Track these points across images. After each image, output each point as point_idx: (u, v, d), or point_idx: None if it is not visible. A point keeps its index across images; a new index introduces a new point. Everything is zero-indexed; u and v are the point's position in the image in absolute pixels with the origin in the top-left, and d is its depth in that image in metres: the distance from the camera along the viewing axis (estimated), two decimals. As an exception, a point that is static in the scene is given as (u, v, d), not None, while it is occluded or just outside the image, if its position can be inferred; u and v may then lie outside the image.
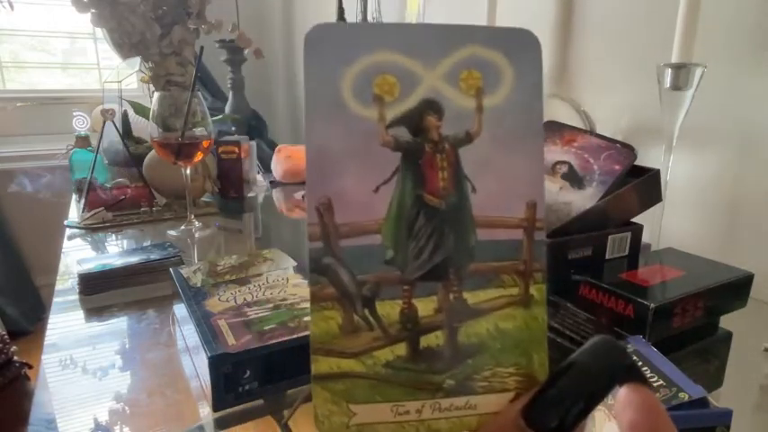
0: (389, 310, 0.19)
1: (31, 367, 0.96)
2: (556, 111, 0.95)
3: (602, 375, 0.17)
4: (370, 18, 1.37)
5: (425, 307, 0.20)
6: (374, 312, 0.19)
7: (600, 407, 0.35)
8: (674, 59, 0.65)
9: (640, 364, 0.39)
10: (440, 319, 0.20)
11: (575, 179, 0.61)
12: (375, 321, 0.19)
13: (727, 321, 0.57)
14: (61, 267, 0.78)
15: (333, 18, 1.43)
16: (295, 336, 0.45)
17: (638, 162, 0.61)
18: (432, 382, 0.19)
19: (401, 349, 0.19)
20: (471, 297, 0.20)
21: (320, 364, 0.19)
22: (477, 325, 0.20)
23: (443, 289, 0.20)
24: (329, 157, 0.19)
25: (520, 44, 0.20)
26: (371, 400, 0.19)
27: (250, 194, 1.20)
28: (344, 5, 1.44)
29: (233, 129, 1.57)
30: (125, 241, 0.94)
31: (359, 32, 0.19)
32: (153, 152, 1.07)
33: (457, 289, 0.20)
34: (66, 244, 0.90)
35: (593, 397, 0.17)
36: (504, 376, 0.20)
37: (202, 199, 1.13)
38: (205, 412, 0.44)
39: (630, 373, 0.17)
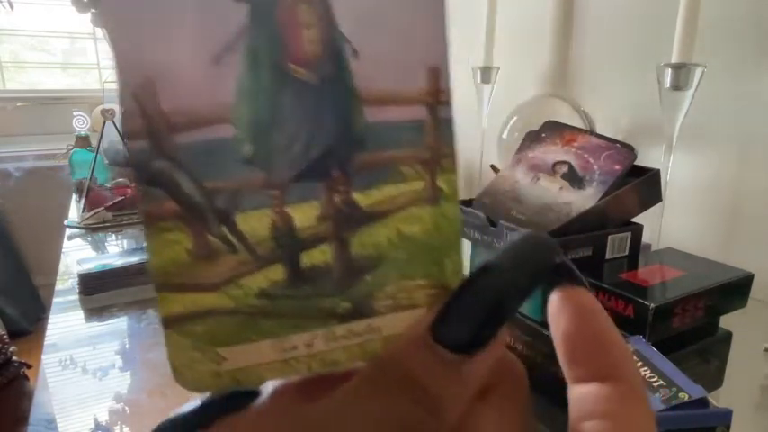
0: (256, 224, 0.15)
1: (30, 367, 0.96)
2: (556, 111, 0.95)
3: (524, 275, 0.14)
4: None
5: (304, 215, 0.15)
6: (234, 229, 0.15)
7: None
8: (674, 59, 0.65)
9: (640, 364, 0.39)
10: (325, 229, 0.15)
11: (575, 179, 0.61)
12: (237, 240, 0.15)
13: (727, 321, 0.57)
14: (61, 267, 0.78)
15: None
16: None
17: (638, 162, 0.61)
18: (321, 308, 0.15)
19: (277, 272, 0.15)
20: (364, 198, 0.15)
21: (170, 304, 0.15)
22: (373, 232, 0.16)
23: (326, 190, 0.15)
24: (142, 14, 0.13)
25: None
26: (245, 339, 0.15)
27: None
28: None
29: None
30: (125, 241, 0.93)
31: None
32: (153, 152, 1.07)
33: (344, 189, 0.15)
34: (66, 244, 0.90)
35: (512, 301, 0.14)
36: (411, 290, 0.16)
37: (202, 199, 1.13)
38: (205, 412, 0.44)
39: (561, 274, 0.15)
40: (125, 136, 0.14)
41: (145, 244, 0.14)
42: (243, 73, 0.14)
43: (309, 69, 0.15)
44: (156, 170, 0.14)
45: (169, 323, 0.15)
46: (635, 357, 0.40)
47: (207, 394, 0.16)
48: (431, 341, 0.14)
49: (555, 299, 0.15)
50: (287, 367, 0.15)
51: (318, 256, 0.15)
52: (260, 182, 0.15)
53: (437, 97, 0.15)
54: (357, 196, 0.15)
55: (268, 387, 0.16)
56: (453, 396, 0.14)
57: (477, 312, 0.14)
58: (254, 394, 0.15)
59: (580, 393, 0.14)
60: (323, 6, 0.14)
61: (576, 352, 0.14)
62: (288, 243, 0.15)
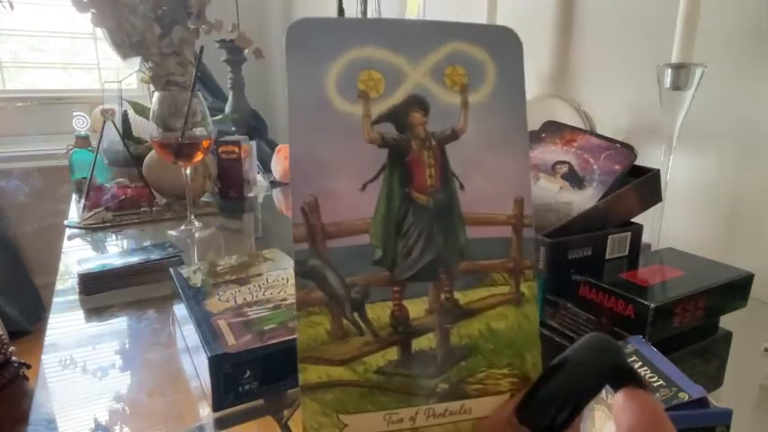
0: (380, 312, 0.19)
1: (29, 367, 0.96)
2: (556, 111, 0.95)
3: (595, 374, 0.17)
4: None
5: (416, 308, 0.19)
6: (364, 316, 0.19)
7: (601, 406, 0.35)
8: (674, 59, 0.65)
9: (640, 364, 0.39)
10: (431, 321, 0.19)
11: (575, 179, 0.61)
12: (365, 325, 0.19)
13: (727, 321, 0.57)
14: (61, 267, 0.78)
15: (333, 18, 1.42)
16: (295, 336, 0.45)
17: (638, 162, 0.61)
18: (425, 387, 0.19)
19: (393, 354, 0.19)
20: (463, 297, 0.19)
21: (309, 374, 0.18)
22: (469, 325, 0.19)
23: (434, 289, 0.19)
24: (314, 155, 0.18)
25: (502, 42, 0.20)
26: (363, 409, 0.18)
27: (250, 194, 1.20)
28: (345, 6, 1.44)
29: (233, 129, 1.57)
30: (125, 241, 0.93)
31: (343, 27, 0.19)
32: (153, 152, 1.07)
33: (448, 289, 0.19)
34: (66, 244, 0.90)
35: (585, 395, 0.17)
36: (497, 378, 0.19)
37: (202, 199, 1.13)
38: (205, 412, 0.44)
39: (627, 375, 0.17)
40: (294, 240, 0.18)
41: (296, 324, 0.18)
42: (380, 198, 0.19)
43: (428, 196, 0.19)
44: (312, 266, 0.18)
45: (306, 390, 0.18)
46: (635, 357, 0.40)
47: None
48: (516, 423, 0.17)
49: (621, 397, 0.17)
50: None
51: (425, 342, 0.19)
52: (385, 280, 0.19)
53: (521, 221, 0.20)
54: (458, 295, 0.19)
55: None
56: None
57: (555, 401, 0.17)
58: None
59: None
60: (440, 152, 0.19)
61: None
62: (403, 330, 0.19)
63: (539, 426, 0.16)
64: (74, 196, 1.19)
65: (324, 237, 0.18)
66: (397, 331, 0.19)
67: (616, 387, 0.17)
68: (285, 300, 0.52)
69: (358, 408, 0.18)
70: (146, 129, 0.99)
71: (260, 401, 0.45)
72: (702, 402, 0.35)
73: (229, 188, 1.16)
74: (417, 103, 0.19)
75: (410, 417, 0.19)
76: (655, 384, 0.36)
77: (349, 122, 0.18)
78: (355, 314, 0.19)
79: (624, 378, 0.17)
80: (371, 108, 0.19)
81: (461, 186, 0.19)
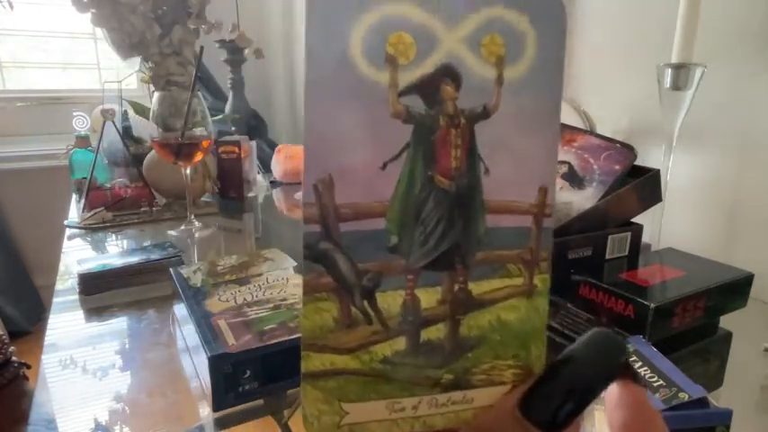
0: (390, 301, 0.18)
1: (29, 367, 0.96)
2: (556, 111, 0.95)
3: (601, 372, 0.17)
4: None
5: (428, 298, 0.18)
6: (374, 304, 0.18)
7: (600, 406, 0.35)
8: (674, 59, 0.65)
9: (640, 364, 0.39)
10: (442, 311, 0.18)
11: (575, 179, 0.61)
12: (374, 314, 0.18)
13: (727, 321, 0.57)
14: (61, 267, 0.78)
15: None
16: (295, 336, 0.45)
17: (638, 162, 0.61)
18: (430, 377, 0.18)
19: (400, 343, 0.18)
20: (476, 288, 0.18)
21: (312, 361, 0.17)
22: (480, 317, 0.19)
23: (449, 279, 0.18)
24: (331, 125, 0.16)
25: (547, 10, 0.18)
26: (366, 398, 0.18)
27: (250, 194, 1.20)
28: None
29: (233, 129, 1.57)
30: (125, 241, 0.93)
31: None
32: (153, 152, 1.07)
33: (462, 279, 0.18)
34: (66, 244, 0.90)
35: (590, 393, 0.16)
36: (502, 369, 0.19)
37: (202, 199, 1.13)
38: (205, 412, 0.44)
39: (623, 370, 0.17)
40: (304, 220, 0.17)
41: (300, 309, 0.17)
42: (401, 179, 0.17)
43: (451, 180, 0.18)
44: (322, 250, 0.17)
45: (307, 377, 0.17)
46: (635, 357, 0.40)
47: None
48: (519, 415, 0.16)
49: (615, 391, 0.17)
50: (394, 426, 0.18)
51: (434, 332, 0.18)
52: (399, 267, 0.18)
53: (543, 210, 0.19)
54: (471, 286, 0.18)
55: None
56: None
57: (559, 397, 0.16)
58: None
59: None
60: (468, 132, 0.18)
61: None
62: (413, 320, 0.18)
63: (540, 419, 0.16)
64: (74, 196, 1.19)
65: (337, 218, 0.17)
66: (407, 321, 0.18)
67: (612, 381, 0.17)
68: (285, 300, 0.52)
69: (360, 396, 0.18)
70: (146, 129, 0.99)
71: (260, 401, 0.45)
72: (702, 402, 0.35)
73: (229, 188, 1.16)
74: (449, 73, 0.17)
75: (413, 406, 0.18)
76: (655, 384, 0.36)
77: (373, 90, 0.16)
78: (365, 302, 0.18)
79: (620, 372, 0.17)
80: (399, 76, 0.17)
81: (486, 171, 0.18)
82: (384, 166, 0.17)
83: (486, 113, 0.18)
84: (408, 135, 0.17)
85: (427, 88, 0.17)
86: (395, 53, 0.16)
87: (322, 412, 0.18)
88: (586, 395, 0.16)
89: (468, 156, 0.18)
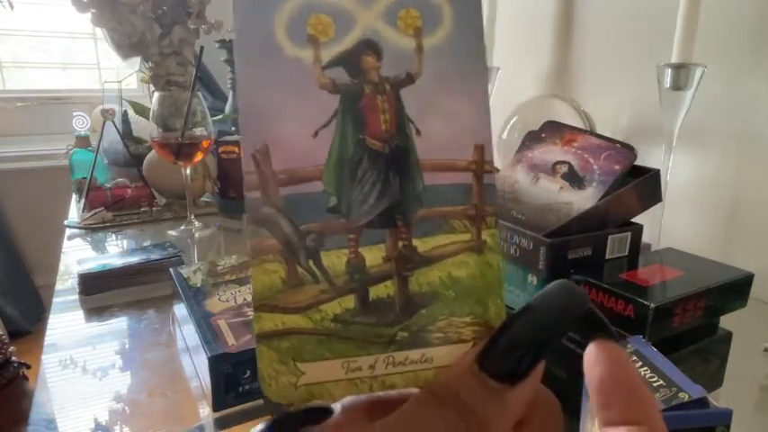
0: (335, 260, 0.18)
1: (29, 367, 0.96)
2: (556, 111, 0.95)
3: (558, 319, 0.17)
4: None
5: (373, 256, 0.19)
6: (319, 263, 0.18)
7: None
8: (674, 59, 0.65)
9: (640, 364, 0.39)
10: (389, 268, 0.19)
11: (575, 179, 0.61)
12: (321, 273, 0.18)
13: (727, 321, 0.57)
14: (61, 267, 0.78)
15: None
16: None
17: (638, 162, 0.61)
18: (384, 335, 0.19)
19: (350, 302, 0.18)
20: (421, 244, 0.19)
21: (264, 321, 0.18)
22: (429, 273, 0.19)
23: (391, 236, 0.19)
24: (264, 102, 0.18)
25: None
26: (320, 357, 0.18)
27: (250, 194, 1.20)
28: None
29: (233, 129, 1.56)
30: (125, 241, 0.94)
31: None
32: (153, 152, 1.07)
33: (405, 236, 0.19)
34: (66, 244, 0.90)
35: (548, 340, 0.16)
36: (459, 326, 0.19)
37: (202, 199, 1.13)
38: (205, 412, 0.44)
39: (598, 325, 0.17)
40: (245, 188, 0.18)
41: (250, 272, 0.18)
42: (333, 144, 0.18)
43: (383, 142, 0.19)
44: (264, 214, 0.18)
45: (261, 338, 0.18)
46: (635, 357, 0.40)
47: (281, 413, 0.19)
48: (477, 370, 0.16)
49: (591, 350, 0.17)
50: (352, 386, 0.18)
51: (383, 290, 0.19)
52: (340, 227, 0.19)
53: (482, 167, 0.19)
54: (416, 242, 0.19)
55: (339, 407, 0.18)
56: (497, 420, 0.16)
57: (517, 348, 0.16)
58: (327, 411, 0.18)
59: None
60: (394, 96, 0.19)
61: (610, 397, 0.16)
62: (359, 278, 0.19)
63: (500, 372, 0.16)
64: (74, 196, 1.19)
65: (276, 184, 0.18)
66: (354, 279, 0.19)
67: (586, 338, 0.17)
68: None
69: (315, 356, 0.18)
70: (146, 129, 0.99)
71: (260, 401, 0.45)
72: (702, 402, 0.35)
73: (229, 188, 1.16)
74: (369, 47, 0.19)
75: (369, 365, 0.18)
76: (655, 384, 0.36)
77: (299, 68, 0.18)
78: (310, 262, 0.18)
79: (595, 329, 0.17)
80: (322, 53, 0.18)
81: (418, 132, 0.19)
82: (315, 133, 0.18)
83: (410, 79, 0.19)
84: (336, 104, 0.18)
85: (349, 61, 0.18)
86: (315, 33, 0.18)
87: (279, 372, 0.18)
88: (544, 344, 0.16)
89: (396, 118, 0.19)
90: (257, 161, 0.18)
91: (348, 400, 0.18)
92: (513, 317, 0.17)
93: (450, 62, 0.19)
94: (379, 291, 0.19)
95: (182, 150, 0.89)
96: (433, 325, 0.19)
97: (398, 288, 0.19)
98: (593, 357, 0.17)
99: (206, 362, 0.42)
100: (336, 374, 0.18)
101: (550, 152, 0.65)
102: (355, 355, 0.18)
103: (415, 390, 0.18)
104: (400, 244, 0.19)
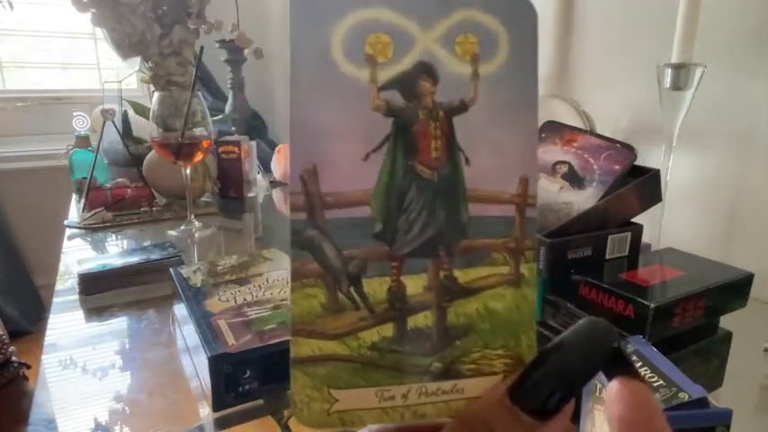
0: (377, 287, 0.18)
1: (29, 367, 0.96)
2: (556, 111, 0.95)
3: (589, 358, 0.17)
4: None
5: (414, 285, 0.19)
6: (360, 290, 0.18)
7: (600, 406, 0.35)
8: (674, 59, 0.65)
9: (640, 364, 0.39)
10: (429, 298, 0.19)
11: (575, 179, 0.61)
12: (361, 300, 0.18)
13: (727, 321, 0.57)
14: (61, 267, 0.78)
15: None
16: (295, 336, 0.45)
17: (638, 162, 0.61)
18: (419, 365, 0.18)
19: (388, 330, 0.18)
20: (462, 275, 0.19)
21: (301, 347, 0.18)
22: (466, 305, 0.19)
23: (433, 266, 0.19)
24: (315, 119, 0.17)
25: (517, 12, 0.19)
26: (355, 384, 0.18)
27: (250, 194, 1.20)
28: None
29: (233, 129, 1.57)
30: (125, 241, 0.93)
31: None
32: (153, 152, 1.07)
33: (447, 266, 0.19)
34: (66, 244, 0.90)
35: (579, 378, 0.17)
36: (492, 358, 0.19)
37: (202, 199, 1.13)
38: (205, 412, 0.44)
39: (621, 364, 0.17)
40: (290, 208, 0.18)
41: (289, 295, 0.18)
42: (383, 169, 0.18)
43: (432, 170, 0.19)
44: (308, 237, 0.18)
45: (297, 363, 0.18)
46: (635, 357, 0.40)
47: None
48: (509, 403, 0.16)
49: (614, 386, 0.17)
50: (384, 415, 0.18)
51: (422, 320, 0.19)
52: (384, 254, 0.18)
53: (525, 200, 0.19)
54: (457, 273, 0.19)
55: None
56: None
57: (548, 384, 0.16)
58: None
59: None
60: (447, 123, 0.18)
61: None
62: (400, 306, 0.18)
63: (531, 407, 0.16)
64: (74, 196, 1.19)
65: (322, 206, 0.18)
66: (394, 307, 0.18)
67: (609, 376, 0.17)
68: (285, 300, 0.52)
69: (350, 383, 0.18)
70: (146, 129, 0.99)
71: (260, 401, 0.45)
72: (702, 402, 0.35)
73: (229, 188, 1.16)
74: (426, 71, 0.18)
75: (402, 394, 0.18)
76: (655, 384, 0.36)
77: (354, 87, 0.18)
78: (351, 288, 0.18)
79: (619, 367, 0.17)
80: (378, 73, 0.18)
81: (467, 161, 0.19)
82: (366, 156, 0.18)
83: (463, 106, 0.18)
84: (389, 127, 0.18)
85: (405, 84, 0.18)
86: (373, 53, 0.18)
87: (312, 399, 0.18)
88: (575, 382, 0.16)
89: (447, 147, 0.19)
90: (305, 182, 0.17)
91: (376, 427, 0.19)
92: (546, 352, 0.17)
93: (505, 91, 0.19)
94: (418, 320, 0.19)
95: (182, 150, 0.89)
96: (467, 356, 0.19)
97: (437, 318, 0.19)
98: (615, 394, 0.17)
99: (206, 362, 0.42)
100: (370, 403, 0.18)
101: (550, 152, 0.65)
102: (389, 384, 0.18)
103: (445, 419, 0.18)
104: (441, 274, 0.19)
